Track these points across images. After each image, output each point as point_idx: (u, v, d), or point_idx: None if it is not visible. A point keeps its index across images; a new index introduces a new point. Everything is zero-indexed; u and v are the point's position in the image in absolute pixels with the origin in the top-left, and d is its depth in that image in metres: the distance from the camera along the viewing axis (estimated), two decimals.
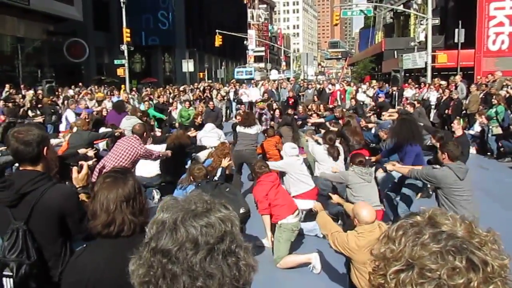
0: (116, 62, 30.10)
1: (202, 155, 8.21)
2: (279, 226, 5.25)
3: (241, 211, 4.63)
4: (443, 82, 17.54)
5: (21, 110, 13.55)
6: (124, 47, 28.23)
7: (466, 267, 0.79)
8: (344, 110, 11.92)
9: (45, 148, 2.58)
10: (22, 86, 19.51)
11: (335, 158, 6.92)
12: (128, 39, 28.23)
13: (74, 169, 2.81)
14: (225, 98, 20.64)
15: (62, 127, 12.94)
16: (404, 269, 0.83)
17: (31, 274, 2.38)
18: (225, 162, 6.39)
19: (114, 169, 2.11)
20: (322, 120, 10.99)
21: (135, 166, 6.17)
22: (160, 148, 7.44)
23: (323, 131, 8.88)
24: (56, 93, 18.70)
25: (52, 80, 20.46)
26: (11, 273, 2.36)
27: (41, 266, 2.45)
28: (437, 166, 5.24)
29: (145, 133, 6.33)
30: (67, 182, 3.19)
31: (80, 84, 21.98)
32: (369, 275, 0.90)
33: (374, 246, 0.93)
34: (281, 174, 6.45)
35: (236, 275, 0.98)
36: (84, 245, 2.03)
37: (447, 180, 4.89)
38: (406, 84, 19.59)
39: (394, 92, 18.40)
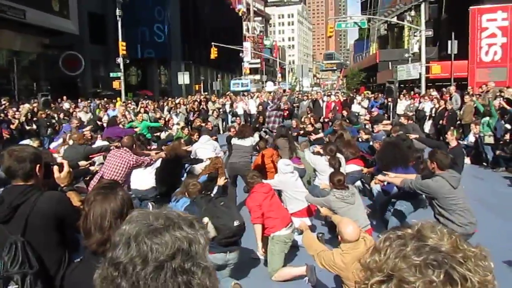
0: (112, 75, 30.17)
1: (198, 167, 8.21)
2: (271, 238, 5.22)
3: (235, 224, 4.61)
4: (434, 93, 17.68)
5: (16, 123, 13.54)
6: (120, 60, 28.32)
7: (443, 281, 0.79)
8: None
9: (38, 166, 2.63)
10: (20, 102, 19.47)
11: (337, 169, 6.91)
12: (124, 52, 28.33)
13: (55, 168, 2.79)
14: (221, 110, 20.72)
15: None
16: (384, 280, 0.84)
17: (36, 284, 2.40)
18: (221, 181, 6.41)
19: (102, 184, 2.10)
20: (321, 135, 11.00)
21: (129, 177, 6.19)
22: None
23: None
24: (52, 106, 18.70)
25: (47, 93, 20.47)
26: (16, 286, 2.37)
27: (44, 274, 2.47)
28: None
29: (134, 145, 6.41)
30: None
31: (79, 100, 21.85)
32: (355, 284, 0.90)
33: (363, 256, 0.94)
34: (278, 191, 6.41)
35: None
36: (79, 259, 2.03)
37: (442, 190, 4.88)
38: (401, 95, 19.72)
39: (388, 103, 18.51)
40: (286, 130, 9.43)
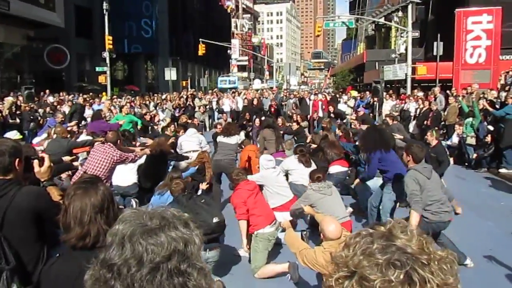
0: (97, 69, 29.84)
1: (184, 163, 8.19)
2: (255, 235, 5.23)
3: (214, 220, 4.60)
4: (420, 94, 17.88)
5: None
6: (106, 54, 28.03)
7: (402, 281, 0.81)
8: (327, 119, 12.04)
9: (17, 160, 2.59)
10: (3, 95, 19.11)
11: (307, 165, 7.08)
12: (111, 46, 28.04)
13: (35, 162, 2.73)
14: (207, 107, 20.66)
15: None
16: (348, 276, 0.86)
17: (13, 279, 2.36)
18: (203, 185, 6.48)
19: (83, 179, 2.08)
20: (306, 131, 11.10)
21: (112, 173, 6.16)
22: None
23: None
24: (36, 99, 18.41)
25: (31, 87, 20.16)
26: None
27: (22, 270, 2.44)
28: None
29: (118, 141, 6.40)
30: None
31: (61, 93, 21.57)
32: (324, 276, 0.91)
33: (336, 250, 0.95)
34: (261, 186, 6.46)
35: None
36: (58, 255, 2.00)
37: (420, 180, 5.09)
38: (387, 96, 19.89)
39: (374, 103, 18.65)
40: (273, 121, 9.47)
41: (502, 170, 10.59)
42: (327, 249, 3.83)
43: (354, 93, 24.88)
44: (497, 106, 11.53)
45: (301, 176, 6.91)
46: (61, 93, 21.16)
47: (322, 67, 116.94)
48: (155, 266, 0.94)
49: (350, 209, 7.26)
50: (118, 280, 0.94)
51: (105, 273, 0.96)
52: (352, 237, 0.93)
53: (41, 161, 2.76)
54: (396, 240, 0.88)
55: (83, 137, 9.11)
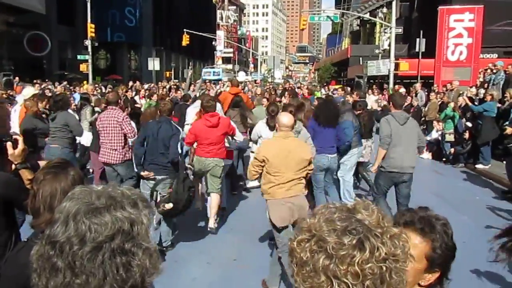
0: (79, 57, 29.35)
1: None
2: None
3: (166, 207, 4.83)
4: (403, 90, 18.09)
5: None
6: (88, 43, 27.58)
7: (353, 245, 0.89)
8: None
9: None
10: None
11: (272, 128, 6.81)
12: (93, 34, 27.60)
13: (9, 145, 2.65)
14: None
15: None
16: (308, 239, 0.94)
17: None
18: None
19: (52, 164, 2.03)
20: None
21: (125, 141, 6.50)
22: None
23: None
24: (15, 86, 17.99)
25: (10, 73, 19.71)
26: None
27: None
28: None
29: (119, 100, 6.82)
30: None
31: (39, 81, 21.07)
32: (289, 241, 0.99)
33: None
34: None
35: (123, 276, 0.96)
36: (25, 239, 1.97)
37: (391, 126, 5.85)
38: (370, 91, 20.06)
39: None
40: (241, 99, 9.11)
41: (479, 166, 10.81)
42: (275, 137, 4.70)
43: (336, 87, 25.04)
44: (476, 103, 11.74)
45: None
46: (36, 81, 20.66)
47: (307, 61, 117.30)
48: (97, 245, 0.95)
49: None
50: (60, 257, 0.95)
51: (48, 250, 0.97)
52: (320, 208, 1.01)
53: (15, 144, 2.69)
54: (357, 214, 0.96)
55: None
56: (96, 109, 9.18)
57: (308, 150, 4.69)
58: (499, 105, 11.12)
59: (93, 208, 0.99)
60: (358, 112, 8.05)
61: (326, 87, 23.06)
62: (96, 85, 22.47)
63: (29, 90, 8.73)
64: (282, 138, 4.48)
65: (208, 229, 6.21)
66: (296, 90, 20.19)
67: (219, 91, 16.77)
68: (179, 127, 6.03)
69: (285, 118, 4.56)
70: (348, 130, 7.06)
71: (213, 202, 6.22)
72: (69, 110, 7.78)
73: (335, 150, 6.87)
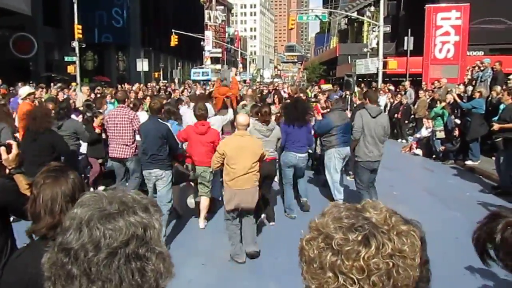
0: (66, 59, 29.04)
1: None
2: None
3: None
4: (391, 88, 18.22)
5: None
6: (75, 44, 27.31)
7: (359, 241, 0.90)
8: None
9: None
10: None
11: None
12: (80, 35, 27.32)
13: (2, 149, 2.59)
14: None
15: None
16: (315, 237, 0.96)
17: None
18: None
19: (52, 167, 2.00)
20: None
21: (135, 135, 6.84)
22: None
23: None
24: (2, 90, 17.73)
25: None
26: None
27: None
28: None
29: (126, 99, 7.18)
30: None
31: (31, 83, 20.79)
32: (301, 241, 0.99)
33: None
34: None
35: (138, 281, 0.96)
36: (25, 244, 1.95)
37: (363, 119, 6.45)
38: (359, 89, 20.17)
39: (347, 96, 18.90)
40: (230, 101, 9.44)
41: (468, 162, 10.93)
42: (234, 135, 5.54)
43: (327, 86, 25.10)
44: (464, 101, 11.87)
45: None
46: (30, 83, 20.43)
47: (296, 60, 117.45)
48: (113, 251, 0.95)
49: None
50: (75, 264, 0.94)
51: (62, 257, 0.96)
52: (329, 207, 1.02)
53: (9, 148, 2.64)
54: (365, 213, 0.97)
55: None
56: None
57: (260, 145, 5.45)
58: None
59: (106, 214, 0.98)
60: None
61: (316, 86, 23.13)
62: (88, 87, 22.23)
63: (25, 89, 8.93)
64: (239, 136, 5.39)
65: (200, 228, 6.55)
66: (286, 89, 20.15)
67: (208, 91, 16.76)
68: (165, 123, 6.46)
69: (241, 118, 5.49)
70: (319, 126, 7.73)
71: (202, 204, 6.64)
72: (73, 116, 7.99)
73: (304, 150, 7.18)
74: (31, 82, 20.82)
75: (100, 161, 8.02)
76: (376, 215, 0.96)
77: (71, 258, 0.95)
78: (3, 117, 7.11)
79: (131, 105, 7.99)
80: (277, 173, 7.33)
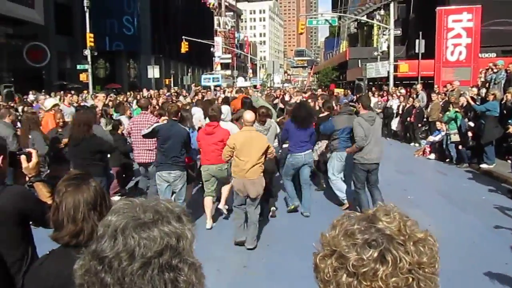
0: (79, 67, 29.40)
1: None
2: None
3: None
4: (402, 91, 18.10)
5: None
6: (87, 52, 27.63)
7: (375, 259, 0.87)
8: None
9: (1, 157, 2.49)
10: None
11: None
12: (92, 43, 27.66)
13: (23, 158, 2.62)
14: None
15: None
16: (330, 254, 0.92)
17: None
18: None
19: (73, 175, 2.01)
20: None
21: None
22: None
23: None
24: (16, 100, 18.02)
25: (11, 85, 19.76)
26: None
27: (4, 273, 2.35)
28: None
29: (148, 106, 7.60)
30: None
31: (43, 91, 21.06)
32: (313, 255, 0.97)
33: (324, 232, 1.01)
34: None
35: None
36: (48, 252, 1.96)
37: (364, 128, 6.59)
38: (370, 93, 20.08)
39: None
40: (250, 101, 9.74)
41: (483, 166, 10.78)
42: (242, 130, 6.07)
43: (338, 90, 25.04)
44: (478, 103, 11.74)
45: None
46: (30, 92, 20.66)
47: (305, 65, 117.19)
48: (147, 261, 0.94)
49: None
50: (109, 273, 0.93)
51: (95, 265, 0.95)
52: (339, 218, 0.98)
53: (29, 157, 2.66)
54: (378, 223, 0.93)
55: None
56: (122, 117, 9.58)
57: (265, 139, 6.06)
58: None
59: (141, 223, 0.97)
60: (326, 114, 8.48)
61: (326, 91, 23.11)
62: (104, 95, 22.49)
63: (50, 101, 9.13)
64: (247, 131, 5.93)
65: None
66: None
67: (221, 96, 16.92)
68: (185, 127, 6.81)
69: (248, 115, 6.01)
70: (323, 127, 7.88)
71: (207, 204, 6.91)
72: None
73: (308, 146, 7.36)
74: (43, 90, 21.08)
75: (116, 169, 8.03)
76: (389, 223, 0.93)
77: (105, 267, 0.94)
78: (35, 126, 7.38)
79: (155, 112, 8.21)
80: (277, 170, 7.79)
